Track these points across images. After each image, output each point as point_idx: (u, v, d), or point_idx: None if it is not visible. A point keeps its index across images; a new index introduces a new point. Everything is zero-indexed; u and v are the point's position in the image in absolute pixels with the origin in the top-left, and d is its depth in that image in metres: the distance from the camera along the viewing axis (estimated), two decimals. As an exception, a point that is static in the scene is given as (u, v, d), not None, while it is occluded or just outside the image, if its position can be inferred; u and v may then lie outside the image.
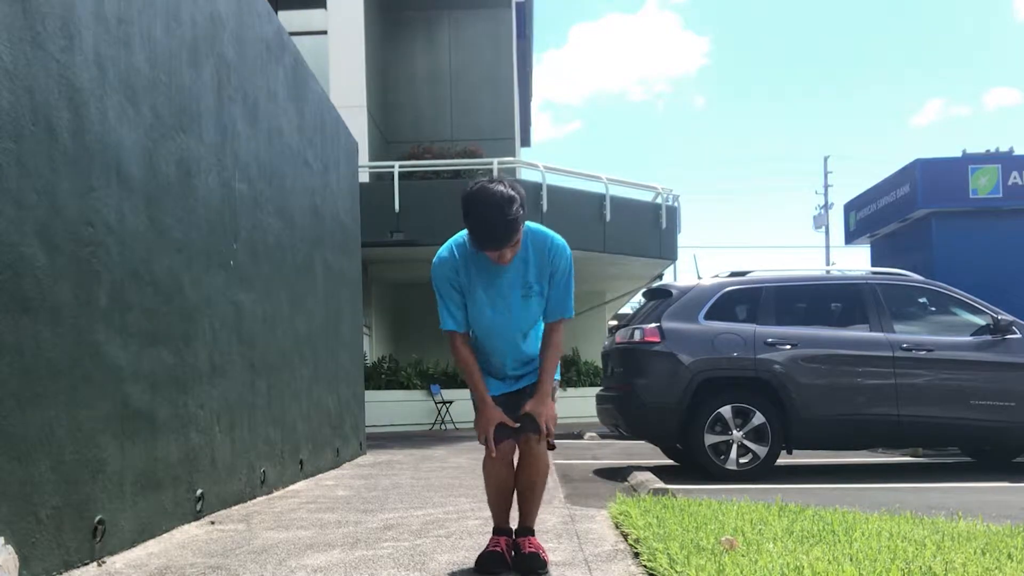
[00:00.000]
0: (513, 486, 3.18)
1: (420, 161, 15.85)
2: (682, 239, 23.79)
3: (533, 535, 3.18)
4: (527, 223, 2.99)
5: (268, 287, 5.68)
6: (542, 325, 3.16)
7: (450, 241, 3.09)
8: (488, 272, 3.01)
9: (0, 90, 2.80)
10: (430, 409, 15.87)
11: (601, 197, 16.13)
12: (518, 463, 3.17)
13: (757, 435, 6.77)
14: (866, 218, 14.60)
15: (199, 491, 4.38)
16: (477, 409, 3.12)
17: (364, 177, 13.71)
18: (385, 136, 18.29)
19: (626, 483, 6.29)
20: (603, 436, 12.26)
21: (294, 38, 6.70)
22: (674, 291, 7.37)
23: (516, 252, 2.94)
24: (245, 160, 5.26)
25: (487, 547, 3.17)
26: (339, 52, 15.98)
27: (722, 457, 6.77)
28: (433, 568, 3.16)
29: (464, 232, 3.00)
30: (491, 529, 3.26)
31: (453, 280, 3.03)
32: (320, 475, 6.87)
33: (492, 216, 2.80)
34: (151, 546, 3.67)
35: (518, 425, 3.06)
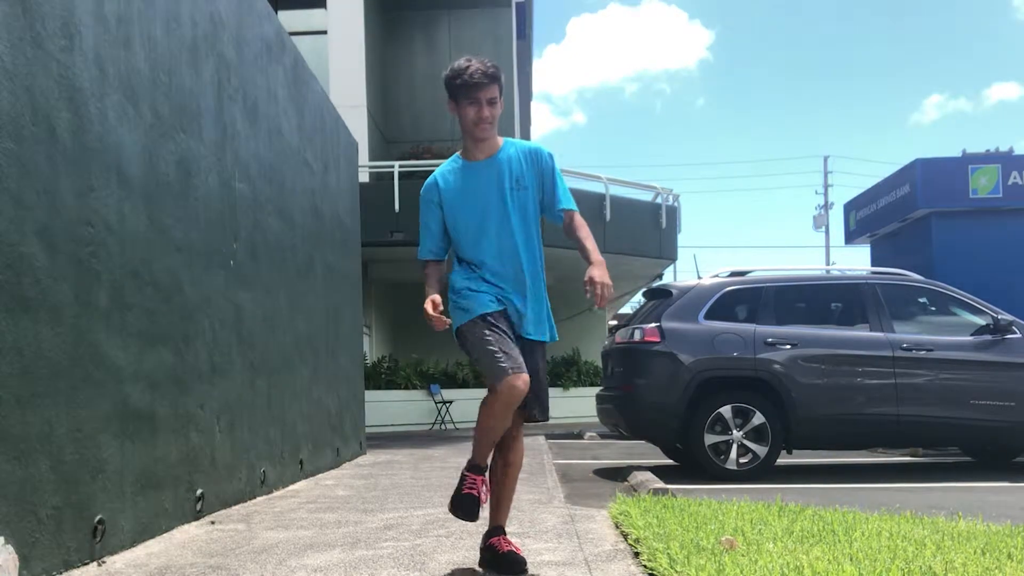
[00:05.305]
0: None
1: (420, 161, 15.84)
2: (682, 239, 23.78)
3: (505, 533, 3.13)
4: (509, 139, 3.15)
5: (268, 287, 5.68)
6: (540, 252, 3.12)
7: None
8: (472, 173, 3.09)
9: (0, 90, 2.80)
10: (430, 409, 15.87)
11: (601, 197, 16.13)
12: (500, 447, 3.10)
13: (757, 435, 6.77)
14: (866, 218, 14.60)
15: (199, 491, 4.38)
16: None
17: (364, 177, 13.71)
18: (385, 136, 18.29)
19: (626, 483, 6.29)
20: (603, 436, 12.26)
21: (294, 38, 6.70)
22: (674, 291, 7.37)
23: (495, 115, 3.00)
24: (245, 160, 5.26)
25: (463, 488, 2.98)
26: (339, 52, 15.98)
27: (722, 457, 6.77)
28: (433, 568, 3.15)
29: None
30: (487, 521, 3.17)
31: (435, 196, 3.11)
32: (320, 475, 6.87)
33: (471, 58, 2.98)
34: (151, 546, 3.67)
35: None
